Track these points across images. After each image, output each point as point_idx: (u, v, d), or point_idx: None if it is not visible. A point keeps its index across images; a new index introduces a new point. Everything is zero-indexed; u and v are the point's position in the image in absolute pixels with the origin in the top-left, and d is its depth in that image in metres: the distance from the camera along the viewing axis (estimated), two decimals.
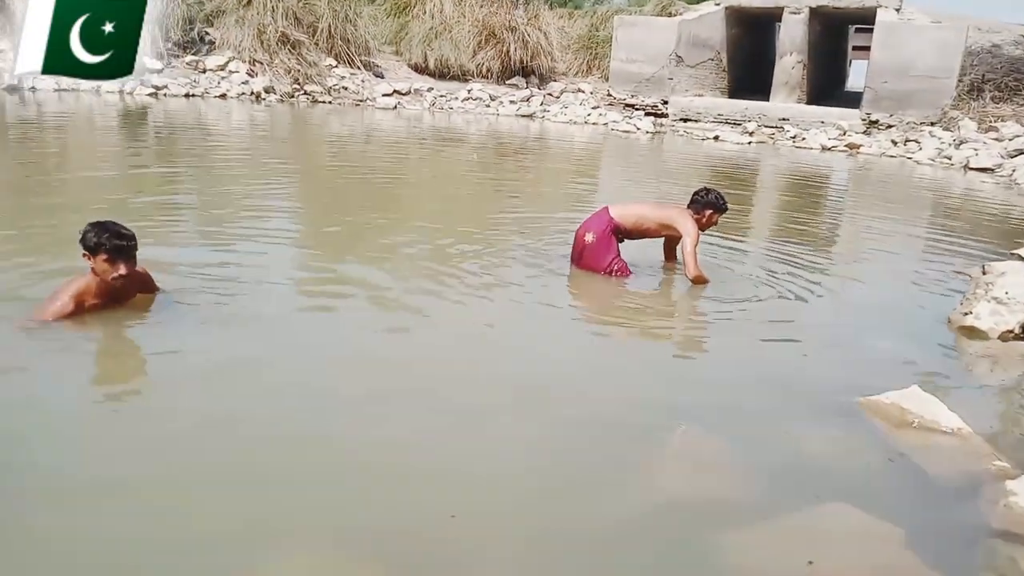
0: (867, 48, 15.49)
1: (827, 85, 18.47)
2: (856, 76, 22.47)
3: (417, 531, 2.17)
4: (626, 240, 4.79)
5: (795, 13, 15.38)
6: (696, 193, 4.79)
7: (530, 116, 16.25)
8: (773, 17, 16.70)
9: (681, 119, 15.92)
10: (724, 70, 17.00)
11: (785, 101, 15.68)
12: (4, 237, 4.55)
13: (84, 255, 3.20)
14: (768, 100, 15.80)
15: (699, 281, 4.57)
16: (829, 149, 13.81)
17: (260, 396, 2.95)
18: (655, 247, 5.06)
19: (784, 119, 15.13)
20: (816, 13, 15.46)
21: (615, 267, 4.69)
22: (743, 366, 3.65)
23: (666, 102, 16.33)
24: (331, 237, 5.53)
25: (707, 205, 4.72)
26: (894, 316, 4.64)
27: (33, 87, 12.37)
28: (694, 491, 2.51)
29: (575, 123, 15.77)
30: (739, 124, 15.25)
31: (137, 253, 3.28)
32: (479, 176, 9.27)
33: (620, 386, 3.30)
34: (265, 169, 8.38)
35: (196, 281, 3.97)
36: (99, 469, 2.37)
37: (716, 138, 14.52)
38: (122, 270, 3.19)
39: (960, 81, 13.90)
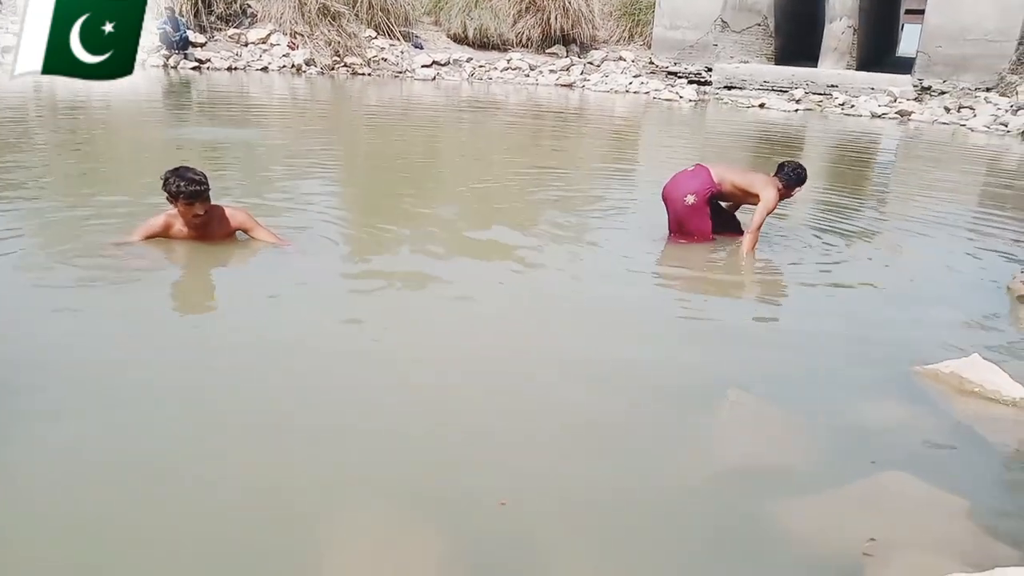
0: (921, 11, 14.89)
1: (878, 51, 17.85)
2: (908, 41, 21.70)
3: (475, 497, 2.18)
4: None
5: None
6: (786, 165, 4.58)
7: (570, 85, 16.04)
8: None
9: (725, 87, 15.56)
10: (771, 36, 16.51)
11: (834, 67, 15.18)
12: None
13: (168, 200, 3.62)
14: (816, 66, 15.35)
15: (749, 250, 4.50)
16: (879, 116, 13.39)
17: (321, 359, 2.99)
18: None
19: (832, 86, 14.69)
20: None
21: (708, 232, 4.60)
22: (798, 334, 3.59)
23: (710, 69, 15.98)
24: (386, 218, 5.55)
25: (797, 182, 4.55)
26: (951, 284, 4.50)
27: None
28: (749, 460, 2.48)
29: (616, 92, 15.51)
30: (786, 91, 14.86)
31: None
32: (515, 145, 9.20)
33: (671, 355, 3.26)
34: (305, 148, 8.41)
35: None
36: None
37: (762, 106, 14.19)
38: (198, 210, 3.60)
39: (1021, 44, 13.32)
